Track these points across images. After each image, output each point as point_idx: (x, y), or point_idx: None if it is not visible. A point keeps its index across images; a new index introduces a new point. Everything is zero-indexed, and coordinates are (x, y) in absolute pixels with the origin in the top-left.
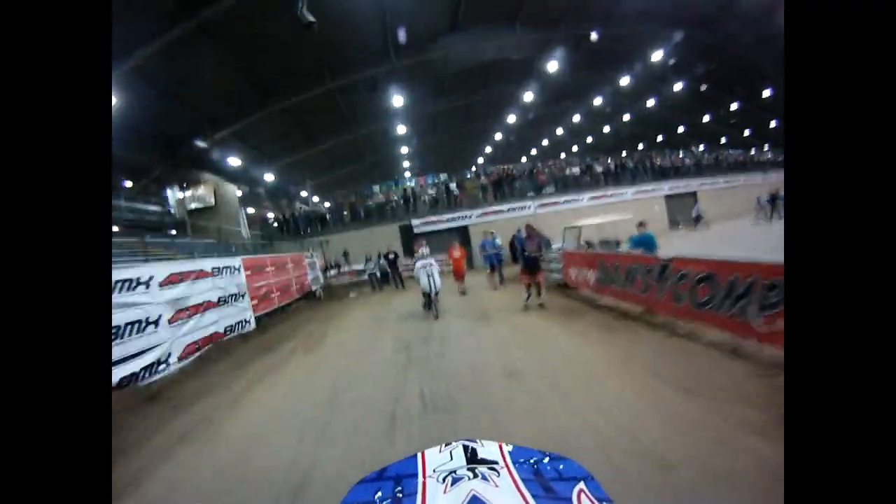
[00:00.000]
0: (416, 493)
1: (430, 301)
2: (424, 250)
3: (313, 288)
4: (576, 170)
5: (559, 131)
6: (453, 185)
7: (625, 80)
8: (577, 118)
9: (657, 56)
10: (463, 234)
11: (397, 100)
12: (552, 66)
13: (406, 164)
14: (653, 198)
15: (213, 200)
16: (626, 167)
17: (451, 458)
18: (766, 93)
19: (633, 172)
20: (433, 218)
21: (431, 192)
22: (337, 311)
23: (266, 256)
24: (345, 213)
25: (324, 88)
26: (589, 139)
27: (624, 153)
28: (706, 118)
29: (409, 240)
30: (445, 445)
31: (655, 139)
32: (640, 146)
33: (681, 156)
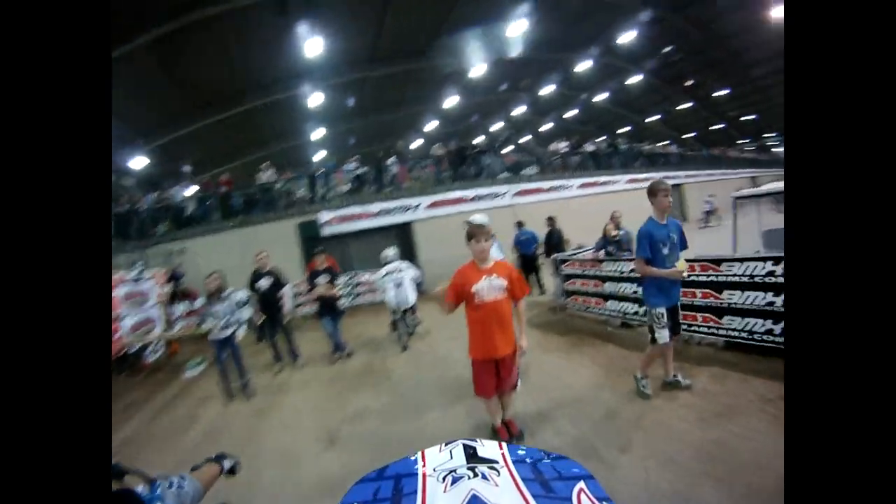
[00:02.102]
0: (416, 491)
1: (396, 323)
2: (390, 252)
3: (135, 346)
4: (562, 146)
5: (517, 111)
6: (391, 160)
7: (584, 65)
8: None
9: (627, 37)
10: (404, 236)
11: (313, 47)
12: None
13: (322, 154)
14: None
15: None
16: (618, 150)
17: (452, 457)
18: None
19: (625, 157)
20: (355, 210)
21: (352, 167)
22: None
23: None
24: (208, 201)
25: (202, 14)
26: (546, 126)
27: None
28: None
29: (314, 246)
30: (446, 444)
31: (615, 131)
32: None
33: (670, 144)
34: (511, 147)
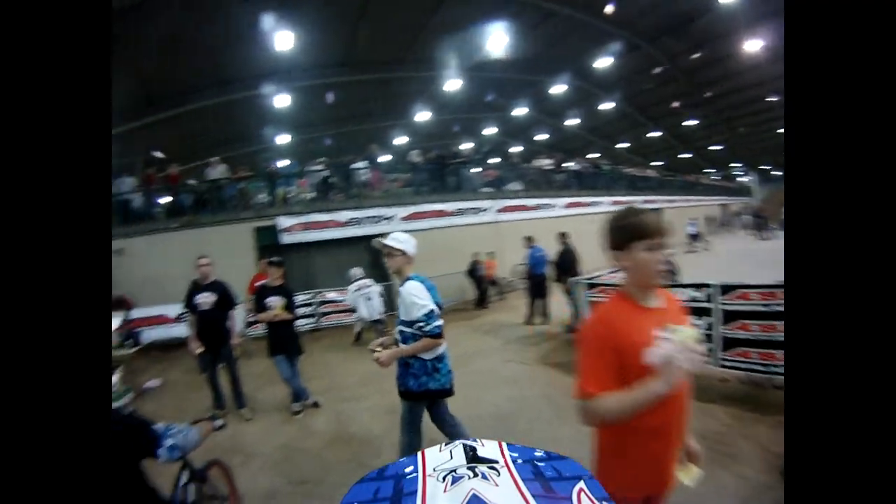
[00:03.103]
0: (416, 491)
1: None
2: (357, 271)
3: None
4: (546, 162)
5: (490, 130)
6: (360, 164)
7: (558, 88)
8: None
9: (602, 63)
10: (376, 250)
11: (282, 41)
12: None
13: (285, 163)
14: None
15: None
16: (601, 170)
17: (451, 457)
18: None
19: (609, 178)
20: (321, 217)
21: (318, 167)
22: None
23: None
24: (158, 199)
25: None
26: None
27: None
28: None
29: (273, 255)
30: (445, 444)
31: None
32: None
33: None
34: (492, 161)
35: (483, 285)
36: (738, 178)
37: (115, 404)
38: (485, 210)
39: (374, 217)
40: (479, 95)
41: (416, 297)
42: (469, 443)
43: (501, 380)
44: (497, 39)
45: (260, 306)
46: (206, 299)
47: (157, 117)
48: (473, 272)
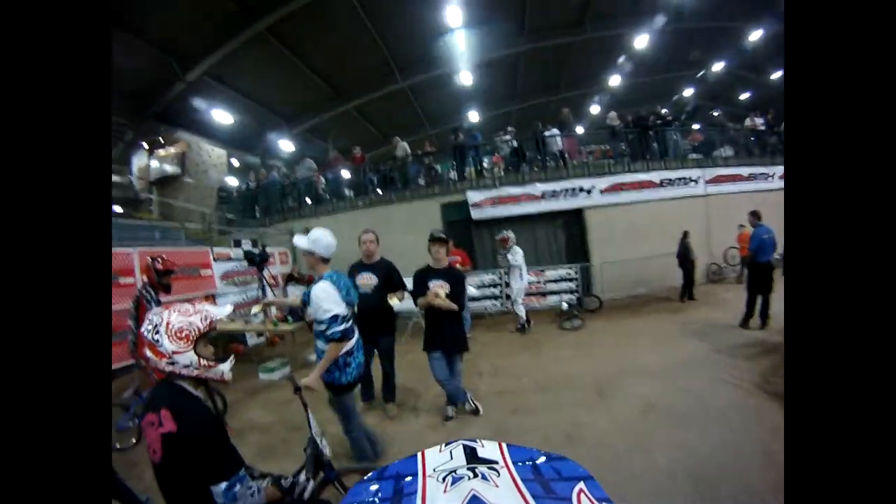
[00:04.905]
0: (416, 492)
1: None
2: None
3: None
4: (759, 122)
5: (688, 91)
6: (552, 132)
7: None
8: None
9: None
10: (570, 225)
11: (454, 16)
12: None
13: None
14: None
15: (177, 167)
16: None
17: (451, 458)
18: None
19: None
20: (512, 190)
21: (507, 137)
22: None
23: None
24: (342, 177)
25: None
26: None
27: None
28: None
29: (461, 234)
30: (445, 445)
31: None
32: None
33: None
34: (696, 125)
35: (692, 273)
36: None
37: (271, 376)
38: (694, 180)
39: (569, 189)
40: (671, 51)
41: (321, 301)
42: (469, 443)
43: (710, 410)
44: None
45: (419, 291)
46: (366, 281)
47: (340, 109)
48: (684, 255)
